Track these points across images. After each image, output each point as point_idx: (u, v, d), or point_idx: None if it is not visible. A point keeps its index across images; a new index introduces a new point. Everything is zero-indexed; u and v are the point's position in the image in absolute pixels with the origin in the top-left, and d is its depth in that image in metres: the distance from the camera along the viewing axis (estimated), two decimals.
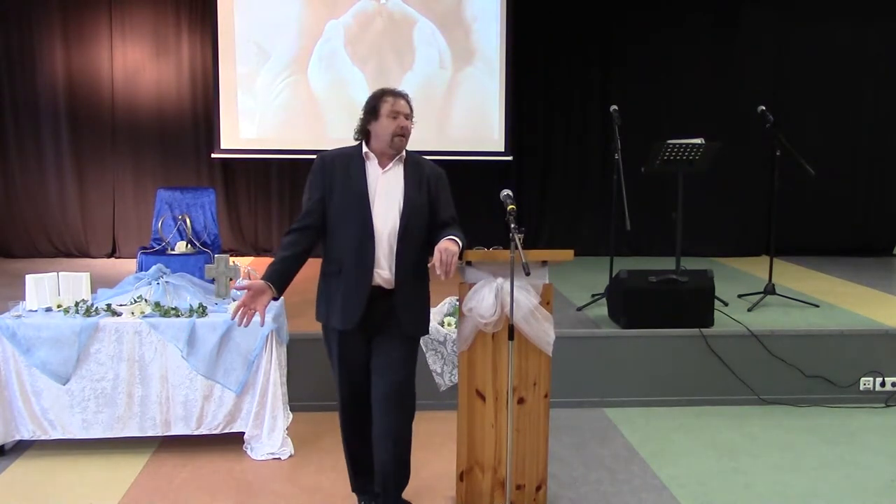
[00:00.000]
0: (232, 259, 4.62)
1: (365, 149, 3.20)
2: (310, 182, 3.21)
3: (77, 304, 4.10)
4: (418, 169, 3.23)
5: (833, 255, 8.05)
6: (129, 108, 7.70)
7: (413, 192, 3.18)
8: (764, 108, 5.74)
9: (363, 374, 3.26)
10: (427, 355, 4.59)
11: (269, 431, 4.05)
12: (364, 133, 3.22)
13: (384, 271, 3.15)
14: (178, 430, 4.04)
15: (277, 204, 7.95)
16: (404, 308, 3.18)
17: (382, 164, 3.20)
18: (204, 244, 6.22)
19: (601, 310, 5.42)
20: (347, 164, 3.18)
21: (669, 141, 5.45)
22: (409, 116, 3.18)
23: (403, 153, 3.22)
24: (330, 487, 3.74)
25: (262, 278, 3.07)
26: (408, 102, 3.20)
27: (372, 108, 3.16)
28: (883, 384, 5.00)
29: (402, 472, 3.31)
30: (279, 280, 3.09)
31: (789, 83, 8.04)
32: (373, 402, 3.22)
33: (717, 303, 5.23)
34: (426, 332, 3.34)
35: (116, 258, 7.77)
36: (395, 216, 3.14)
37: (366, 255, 3.11)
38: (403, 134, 3.16)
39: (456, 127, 7.83)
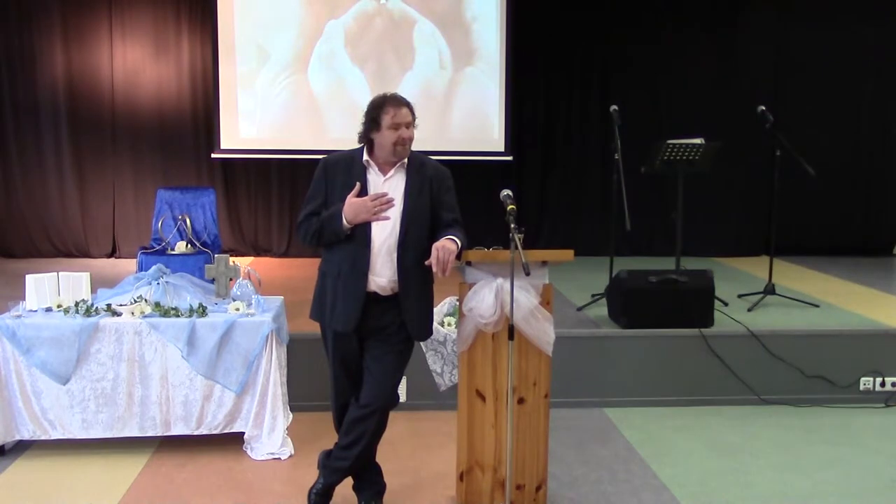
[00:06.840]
0: (232, 259, 4.62)
1: (366, 157, 3.20)
2: (311, 189, 3.24)
3: (77, 304, 4.09)
4: (422, 171, 3.23)
5: (833, 255, 8.04)
6: (129, 108, 7.69)
7: (414, 198, 3.18)
8: (764, 108, 5.74)
9: (357, 373, 3.30)
10: (427, 355, 4.58)
11: (269, 431, 4.05)
12: (367, 140, 3.20)
13: (381, 278, 3.16)
14: (178, 430, 4.04)
15: (277, 204, 7.95)
16: (408, 312, 3.20)
17: (384, 171, 3.20)
18: (204, 244, 6.21)
19: (601, 310, 5.42)
20: (349, 172, 3.18)
21: (669, 141, 5.45)
22: (410, 125, 3.15)
23: (406, 158, 3.21)
24: None
25: (337, 212, 3.12)
26: (410, 110, 3.16)
27: (373, 119, 3.14)
28: (883, 384, 4.99)
29: (367, 461, 3.40)
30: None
31: (789, 83, 8.03)
32: (359, 398, 3.27)
33: (717, 303, 5.23)
34: (430, 334, 3.36)
35: (116, 258, 7.77)
36: (396, 223, 3.15)
37: (360, 264, 3.13)
38: (405, 144, 3.15)
39: (456, 127, 7.82)
